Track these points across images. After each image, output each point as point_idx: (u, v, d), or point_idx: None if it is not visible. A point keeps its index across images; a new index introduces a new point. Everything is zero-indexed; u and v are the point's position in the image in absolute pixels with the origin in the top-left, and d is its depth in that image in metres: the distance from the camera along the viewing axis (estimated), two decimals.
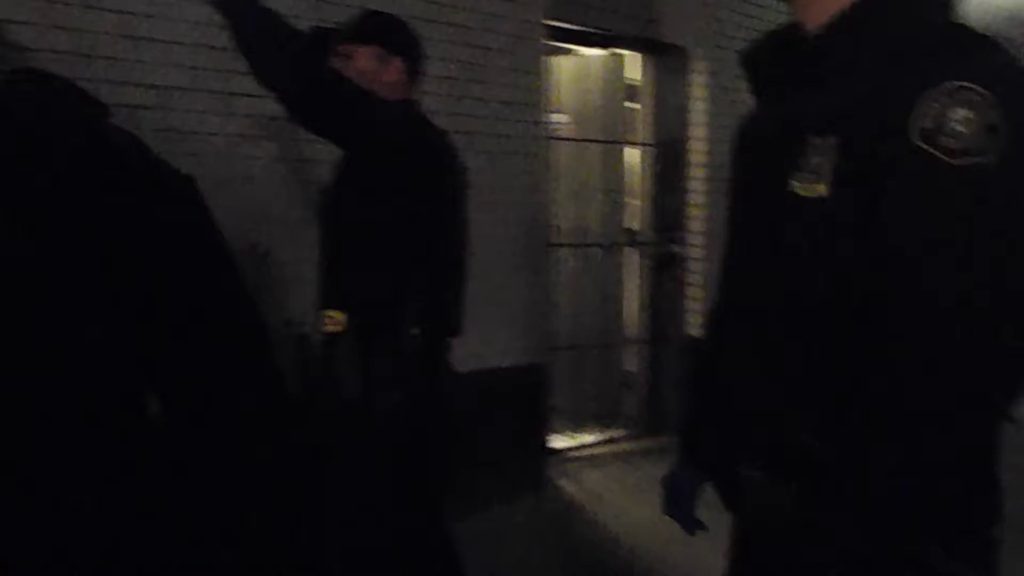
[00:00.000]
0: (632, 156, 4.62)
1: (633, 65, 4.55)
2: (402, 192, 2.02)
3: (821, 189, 1.06)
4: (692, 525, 1.44)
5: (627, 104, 4.58)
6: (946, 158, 0.94)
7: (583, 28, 4.16)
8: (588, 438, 4.45)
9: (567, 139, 4.49)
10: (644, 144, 4.56)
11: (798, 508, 1.09)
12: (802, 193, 1.08)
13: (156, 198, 0.83)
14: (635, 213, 4.63)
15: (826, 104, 1.08)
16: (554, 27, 3.91)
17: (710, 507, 1.38)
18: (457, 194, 2.20)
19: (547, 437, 3.95)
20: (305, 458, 0.93)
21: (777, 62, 1.23)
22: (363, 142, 2.00)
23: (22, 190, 0.74)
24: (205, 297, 0.85)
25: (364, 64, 2.11)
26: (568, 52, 4.50)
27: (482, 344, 3.58)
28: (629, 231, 4.61)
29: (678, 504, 1.44)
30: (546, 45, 3.83)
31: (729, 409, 1.24)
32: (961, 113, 0.95)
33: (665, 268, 4.54)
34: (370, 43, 2.12)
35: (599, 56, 4.53)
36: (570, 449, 4.28)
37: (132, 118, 2.69)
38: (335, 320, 2.04)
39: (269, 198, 2.96)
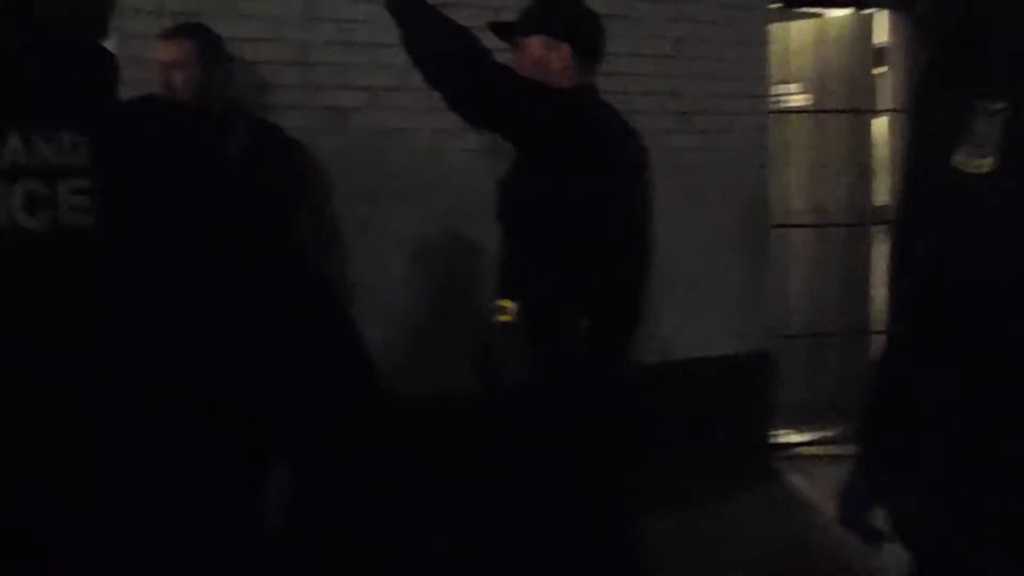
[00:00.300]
0: (880, 126, 4.18)
1: (881, 25, 4.11)
2: (568, 181, 1.98)
3: (987, 164, 0.93)
4: (869, 537, 1.30)
5: (875, 70, 4.15)
6: None
7: None
8: (824, 433, 4.12)
9: (798, 111, 4.16)
10: (896, 111, 4.11)
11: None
12: (965, 170, 0.94)
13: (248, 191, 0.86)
14: (886, 189, 4.20)
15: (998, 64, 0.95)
16: None
17: None
18: (635, 181, 2.12)
19: (772, 431, 3.72)
20: (403, 452, 0.93)
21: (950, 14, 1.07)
22: (527, 134, 1.98)
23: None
24: (289, 289, 0.87)
25: (532, 54, 2.08)
26: (803, 15, 4.17)
27: (696, 331, 3.45)
28: (879, 209, 4.19)
29: (854, 513, 1.31)
30: (774, 11, 3.58)
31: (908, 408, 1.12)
32: None
33: None
34: (536, 32, 2.09)
35: (841, 17, 4.15)
36: (801, 444, 3.99)
37: (345, 120, 2.91)
38: (506, 309, 2.06)
39: (475, 192, 3.05)
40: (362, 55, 2.85)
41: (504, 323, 2.06)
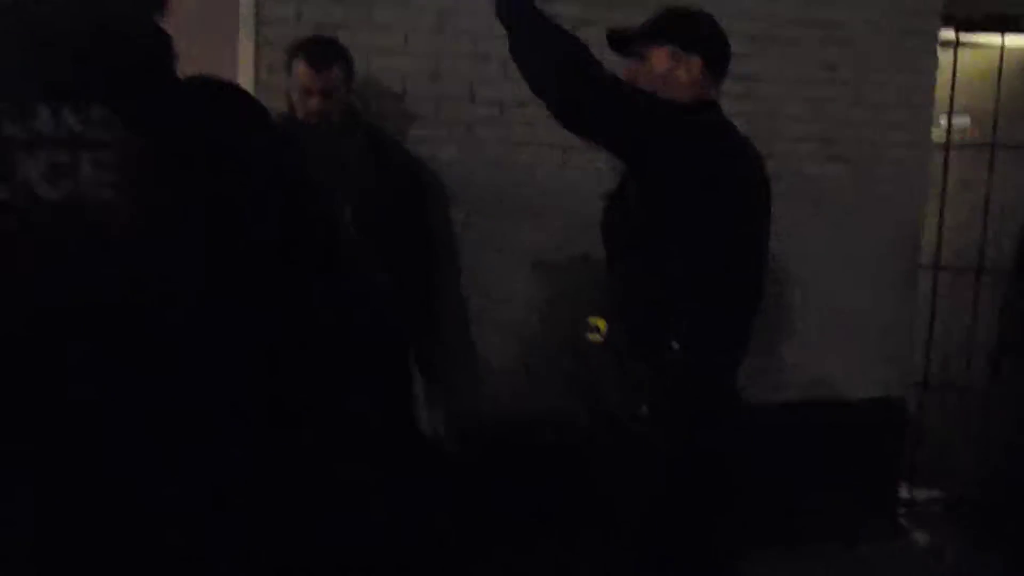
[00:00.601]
0: None
1: None
2: (675, 200, 1.91)
3: None
4: None
5: None
6: None
7: (993, 13, 3.53)
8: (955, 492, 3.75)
9: (964, 145, 3.84)
10: None
11: None
12: None
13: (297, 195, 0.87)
14: None
15: None
16: (952, 15, 3.38)
17: None
18: (750, 208, 2.01)
19: (899, 483, 3.42)
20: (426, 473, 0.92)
21: None
22: (634, 148, 1.92)
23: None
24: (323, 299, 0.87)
25: (659, 65, 2.01)
26: (974, 44, 3.85)
27: (829, 371, 3.24)
28: None
29: None
30: (942, 38, 3.33)
31: None
32: None
33: None
34: (664, 42, 2.02)
35: (1020, 47, 3.80)
36: (933, 501, 3.64)
37: (473, 133, 2.94)
38: (597, 329, 2.01)
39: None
40: (493, 67, 2.87)
41: (594, 343, 2.01)
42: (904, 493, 3.55)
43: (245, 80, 2.73)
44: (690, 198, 1.89)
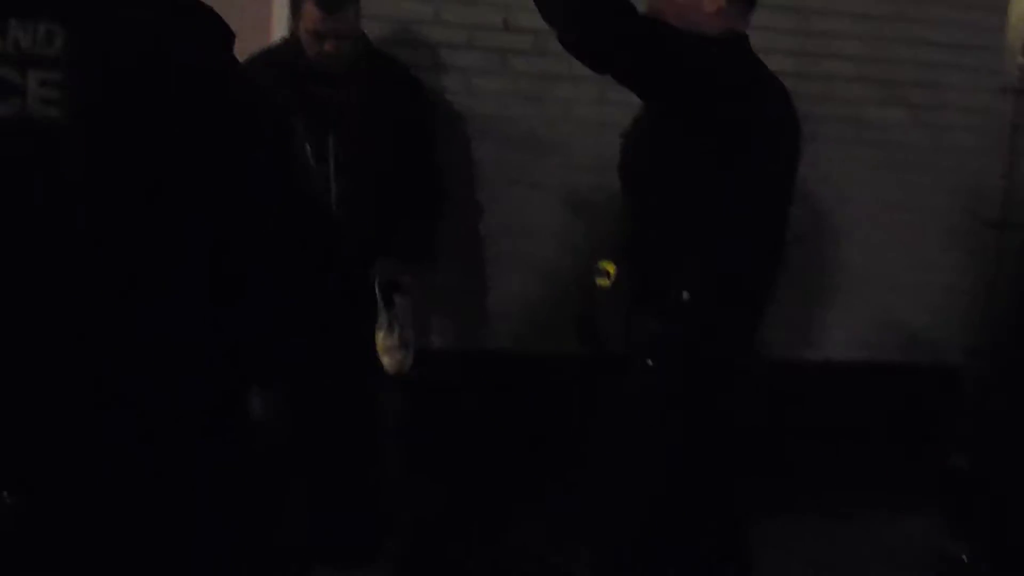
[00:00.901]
0: None
1: None
2: (693, 141, 1.79)
3: None
4: None
5: None
6: None
7: None
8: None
9: None
10: None
11: None
12: None
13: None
14: None
15: None
16: None
17: None
18: (774, 148, 1.87)
19: (947, 453, 3.26)
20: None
21: None
22: (653, 85, 1.80)
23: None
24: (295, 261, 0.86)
25: None
26: None
27: (877, 333, 3.08)
28: None
29: None
30: None
31: None
32: None
33: None
34: None
35: None
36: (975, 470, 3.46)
37: (507, 63, 2.84)
38: (607, 273, 1.92)
39: None
40: None
41: (602, 287, 1.92)
42: (954, 462, 3.39)
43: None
44: (708, 136, 1.78)
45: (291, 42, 2.44)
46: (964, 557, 2.84)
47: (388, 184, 2.41)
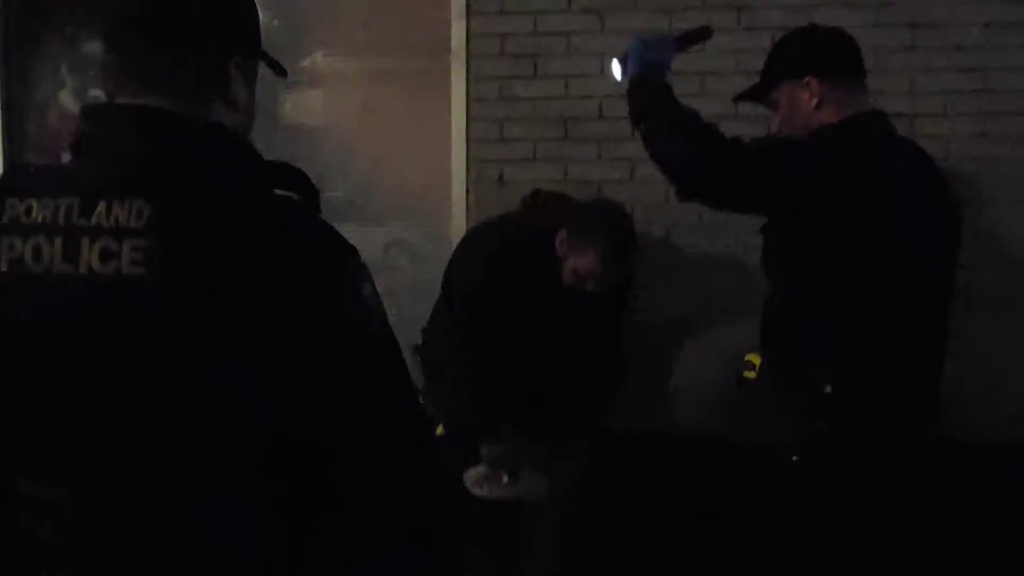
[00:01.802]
0: None
1: None
2: (823, 240, 1.80)
3: None
4: None
5: None
6: None
7: None
8: None
9: None
10: None
11: None
12: None
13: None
14: None
15: None
16: None
17: None
18: (915, 226, 1.83)
19: None
20: None
21: None
22: (778, 207, 1.85)
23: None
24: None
25: (784, 105, 1.95)
26: None
27: None
28: None
29: None
30: None
31: None
32: None
33: None
34: (776, 82, 1.96)
35: None
36: None
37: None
38: (752, 365, 1.97)
39: None
40: (693, 85, 2.85)
41: (748, 379, 1.97)
42: None
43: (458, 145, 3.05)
44: (837, 234, 1.78)
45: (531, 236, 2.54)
46: None
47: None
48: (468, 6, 3.05)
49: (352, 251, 1.01)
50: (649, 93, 1.87)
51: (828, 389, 1.80)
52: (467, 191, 3.10)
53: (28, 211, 0.96)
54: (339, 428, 0.96)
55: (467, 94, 3.08)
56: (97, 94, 3.47)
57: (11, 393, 0.98)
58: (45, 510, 0.99)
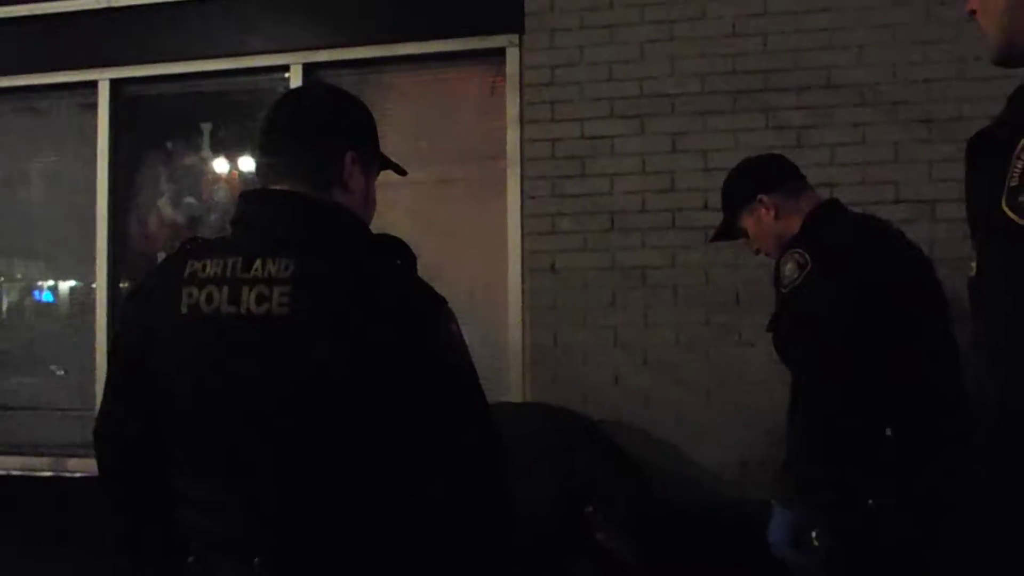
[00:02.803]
0: None
1: None
2: (839, 305, 1.94)
3: None
4: None
5: None
6: None
7: None
8: None
9: None
10: None
11: None
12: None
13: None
14: None
15: None
16: None
17: None
18: (909, 279, 2.04)
19: None
20: None
21: None
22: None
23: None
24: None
25: (752, 229, 2.21)
26: None
27: None
28: None
29: None
30: None
31: None
32: None
33: None
34: (734, 214, 2.24)
35: None
36: None
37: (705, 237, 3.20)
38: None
39: None
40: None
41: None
42: None
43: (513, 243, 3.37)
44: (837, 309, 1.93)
45: None
46: None
47: None
48: (522, 114, 3.42)
49: (443, 300, 1.29)
50: None
51: (889, 432, 1.90)
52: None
53: (204, 268, 1.27)
54: (436, 437, 1.22)
55: (521, 193, 3.42)
56: (191, 201, 3.90)
57: (183, 406, 1.26)
58: (203, 505, 1.25)
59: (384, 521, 1.21)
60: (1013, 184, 0.77)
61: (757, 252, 2.25)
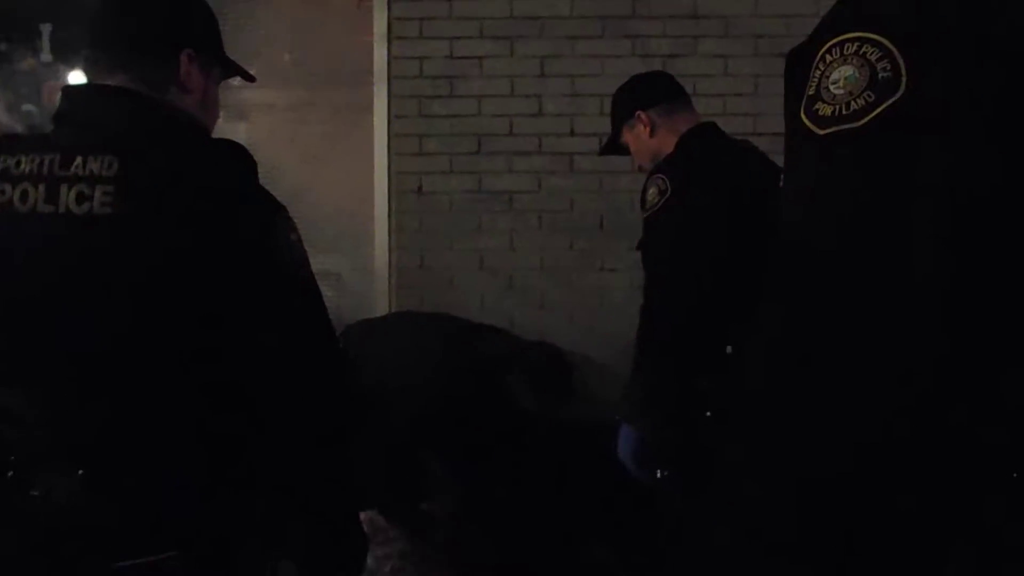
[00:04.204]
0: None
1: None
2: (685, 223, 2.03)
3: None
4: None
5: None
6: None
7: None
8: None
9: None
10: None
11: None
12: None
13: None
14: None
15: None
16: None
17: None
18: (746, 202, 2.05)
19: None
20: None
21: None
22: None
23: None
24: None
25: (633, 144, 2.25)
26: None
27: None
28: None
29: None
30: None
31: None
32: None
33: None
34: (618, 129, 2.28)
35: None
36: None
37: (574, 163, 3.24)
38: None
39: None
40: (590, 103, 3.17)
41: None
42: None
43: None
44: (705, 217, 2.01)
45: None
46: None
47: None
48: (389, 30, 3.32)
49: (282, 207, 1.25)
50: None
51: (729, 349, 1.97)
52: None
53: (17, 164, 1.17)
54: (269, 346, 1.19)
55: (388, 112, 3.34)
56: (30, 108, 3.61)
57: None
58: (20, 417, 1.18)
59: (211, 428, 1.18)
60: (811, 92, 0.79)
61: (639, 169, 2.28)
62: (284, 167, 3.36)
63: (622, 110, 2.26)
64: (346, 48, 3.47)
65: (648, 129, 2.19)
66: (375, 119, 3.36)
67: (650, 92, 2.24)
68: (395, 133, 3.33)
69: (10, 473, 1.19)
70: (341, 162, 3.47)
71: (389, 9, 3.32)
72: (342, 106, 3.48)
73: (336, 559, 1.27)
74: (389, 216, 3.35)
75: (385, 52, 3.33)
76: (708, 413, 1.98)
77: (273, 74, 3.42)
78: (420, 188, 3.31)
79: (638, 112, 2.20)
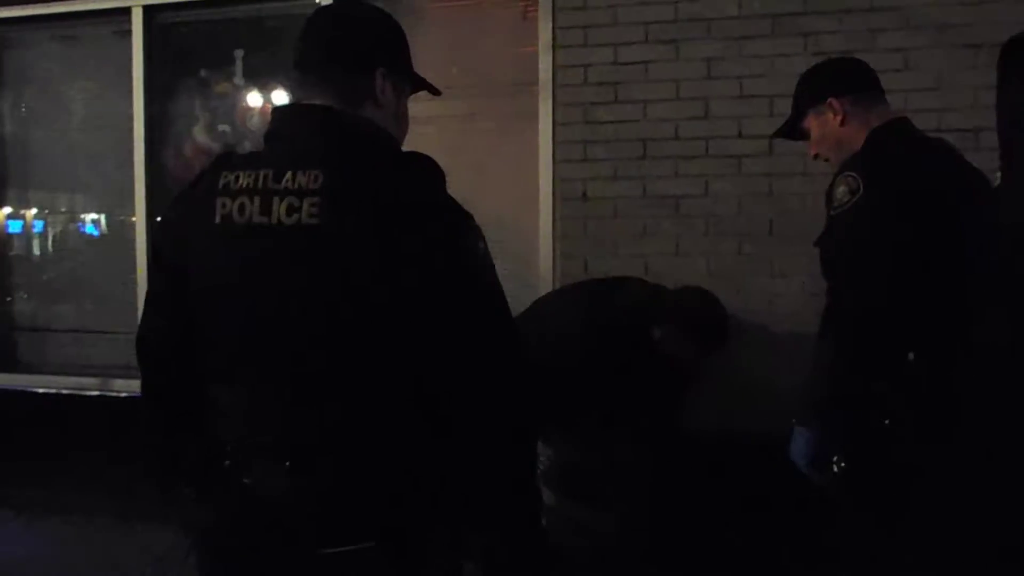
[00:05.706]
0: None
1: None
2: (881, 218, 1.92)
3: None
4: None
5: None
6: None
7: None
8: None
9: None
10: None
11: None
12: None
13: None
14: None
15: None
16: None
17: None
18: (955, 215, 1.90)
19: None
20: None
21: None
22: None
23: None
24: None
25: (816, 132, 2.13)
26: None
27: None
28: None
29: None
30: None
31: None
32: None
33: None
34: (803, 113, 2.16)
35: None
36: None
37: (742, 166, 3.17)
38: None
39: None
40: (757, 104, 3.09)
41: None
42: None
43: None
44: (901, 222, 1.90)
45: None
46: None
47: None
48: (554, 39, 3.37)
49: (470, 215, 1.30)
50: None
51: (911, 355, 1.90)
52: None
53: (236, 179, 1.29)
54: (460, 349, 1.25)
55: (552, 120, 3.39)
56: (225, 128, 3.92)
57: (218, 313, 1.30)
58: (237, 411, 1.30)
59: (407, 428, 1.25)
60: None
61: (815, 157, 2.18)
62: (450, 176, 3.44)
63: (812, 93, 2.13)
64: (510, 58, 3.55)
65: (839, 118, 2.08)
66: (540, 127, 3.42)
67: (846, 79, 2.12)
68: (559, 140, 3.37)
69: (227, 462, 1.31)
70: (506, 170, 3.55)
71: (554, 19, 3.37)
72: (507, 115, 3.57)
73: (520, 563, 1.31)
74: (554, 223, 3.40)
75: (550, 61, 3.38)
76: (886, 421, 1.90)
77: (439, 86, 3.52)
78: (585, 194, 3.34)
79: (831, 99, 2.08)
